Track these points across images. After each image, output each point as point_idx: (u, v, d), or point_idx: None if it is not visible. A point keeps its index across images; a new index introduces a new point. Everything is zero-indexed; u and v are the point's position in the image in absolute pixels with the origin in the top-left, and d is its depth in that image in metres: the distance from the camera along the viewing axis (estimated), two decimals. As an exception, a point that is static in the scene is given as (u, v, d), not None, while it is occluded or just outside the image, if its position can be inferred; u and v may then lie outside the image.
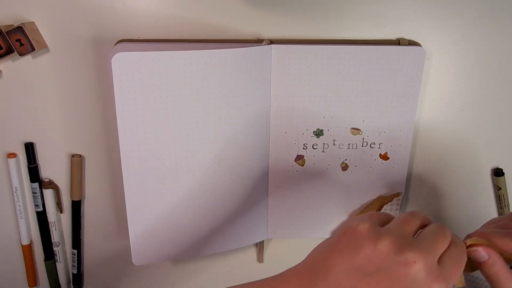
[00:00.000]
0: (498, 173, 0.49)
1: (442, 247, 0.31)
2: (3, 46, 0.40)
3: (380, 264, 0.30)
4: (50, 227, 0.49)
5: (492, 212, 0.51)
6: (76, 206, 0.48)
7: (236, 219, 0.47)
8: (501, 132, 0.48)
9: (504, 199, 0.50)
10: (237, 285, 0.35)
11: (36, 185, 0.47)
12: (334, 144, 0.46)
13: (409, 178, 0.50)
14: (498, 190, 0.50)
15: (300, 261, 0.57)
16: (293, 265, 0.56)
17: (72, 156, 0.46)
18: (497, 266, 0.35)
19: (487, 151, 0.49)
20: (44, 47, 0.42)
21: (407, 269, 0.29)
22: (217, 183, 0.45)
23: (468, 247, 0.34)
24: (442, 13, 0.43)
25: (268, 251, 0.53)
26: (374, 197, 0.49)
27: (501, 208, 0.50)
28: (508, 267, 0.35)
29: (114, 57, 0.38)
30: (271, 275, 0.55)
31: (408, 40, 0.44)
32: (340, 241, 0.32)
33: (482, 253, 0.35)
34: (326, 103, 0.45)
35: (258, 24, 0.43)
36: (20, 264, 0.51)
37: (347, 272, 0.31)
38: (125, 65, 0.39)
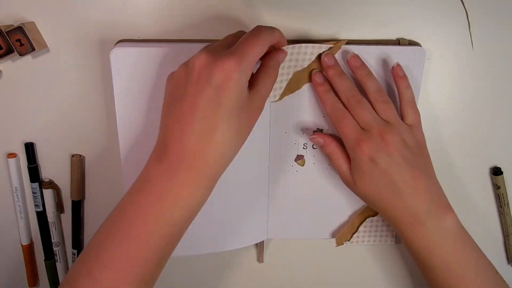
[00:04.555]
0: (497, 172, 0.49)
1: (253, 48, 0.33)
2: (3, 46, 0.40)
3: (190, 80, 0.32)
4: (50, 227, 0.49)
5: (491, 211, 0.51)
6: (76, 206, 0.48)
7: (236, 219, 0.47)
8: (500, 131, 0.48)
9: (503, 198, 0.50)
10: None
11: (36, 185, 0.47)
12: (334, 144, 0.46)
13: (408, 177, 0.50)
14: (497, 189, 0.50)
15: (300, 261, 0.57)
16: (293, 265, 0.57)
17: (72, 156, 0.46)
18: (330, 147, 0.43)
19: (486, 150, 0.49)
20: (44, 47, 0.42)
21: (223, 74, 0.31)
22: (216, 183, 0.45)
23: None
24: (442, 13, 0.44)
25: (268, 251, 0.53)
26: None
27: (500, 207, 0.50)
28: (341, 146, 0.43)
29: (112, 52, 0.38)
30: (271, 275, 0.55)
31: (408, 40, 0.44)
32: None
33: (318, 139, 0.43)
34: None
35: (258, 24, 0.43)
36: (20, 264, 0.51)
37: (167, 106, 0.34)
38: (123, 60, 0.38)
